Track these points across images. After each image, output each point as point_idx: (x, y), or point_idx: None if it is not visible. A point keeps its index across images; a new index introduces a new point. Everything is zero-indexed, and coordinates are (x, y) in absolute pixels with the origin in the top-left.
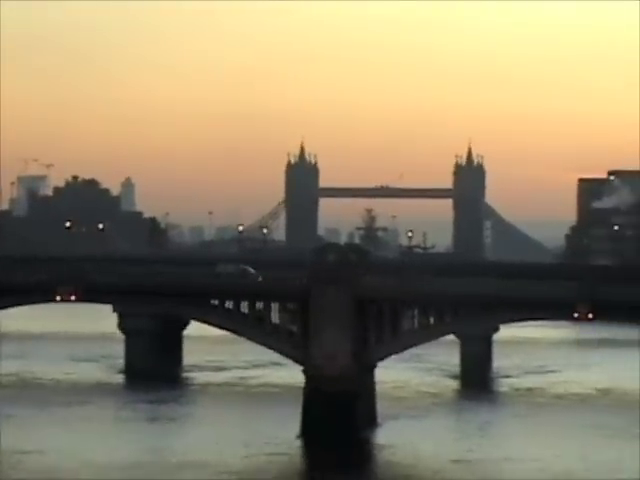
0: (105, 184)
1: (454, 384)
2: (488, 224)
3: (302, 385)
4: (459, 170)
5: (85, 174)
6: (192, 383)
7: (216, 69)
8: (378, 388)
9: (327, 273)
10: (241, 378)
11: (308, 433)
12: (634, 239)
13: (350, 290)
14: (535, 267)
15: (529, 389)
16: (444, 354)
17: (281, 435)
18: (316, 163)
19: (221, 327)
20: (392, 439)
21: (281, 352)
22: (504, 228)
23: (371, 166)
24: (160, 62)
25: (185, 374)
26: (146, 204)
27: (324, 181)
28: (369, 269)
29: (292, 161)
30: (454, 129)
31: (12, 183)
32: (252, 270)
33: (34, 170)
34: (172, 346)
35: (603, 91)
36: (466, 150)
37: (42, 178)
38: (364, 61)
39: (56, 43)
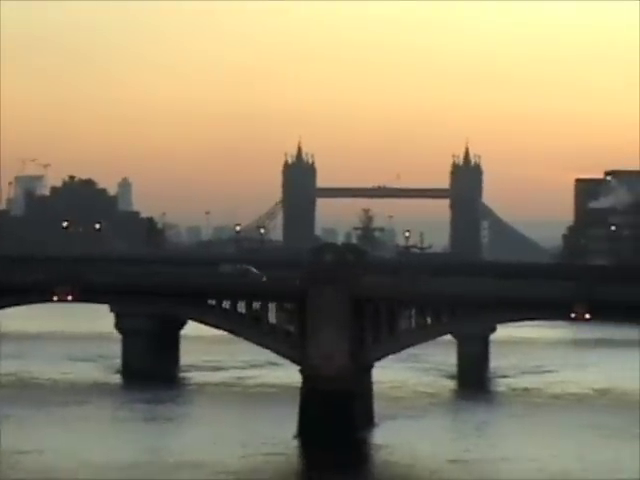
0: (102, 184)
1: (451, 384)
2: (485, 224)
3: (299, 385)
4: (456, 170)
5: (82, 174)
6: (189, 383)
7: (215, 69)
8: (375, 388)
9: (324, 273)
10: (238, 378)
11: (305, 433)
12: (631, 239)
13: (347, 290)
14: (532, 267)
15: (526, 389)
16: (441, 354)
17: (278, 435)
18: (313, 163)
19: (218, 327)
20: (389, 439)
21: (278, 352)
22: (501, 228)
23: (368, 166)
24: (160, 62)
25: (182, 374)
26: (143, 204)
27: (321, 181)
28: (366, 269)
29: (289, 161)
30: (451, 129)
31: (10, 183)
32: (255, 270)
33: (31, 170)
34: (169, 346)
35: (603, 91)
36: (463, 150)
37: (39, 178)
38: (362, 61)
39: (56, 43)
